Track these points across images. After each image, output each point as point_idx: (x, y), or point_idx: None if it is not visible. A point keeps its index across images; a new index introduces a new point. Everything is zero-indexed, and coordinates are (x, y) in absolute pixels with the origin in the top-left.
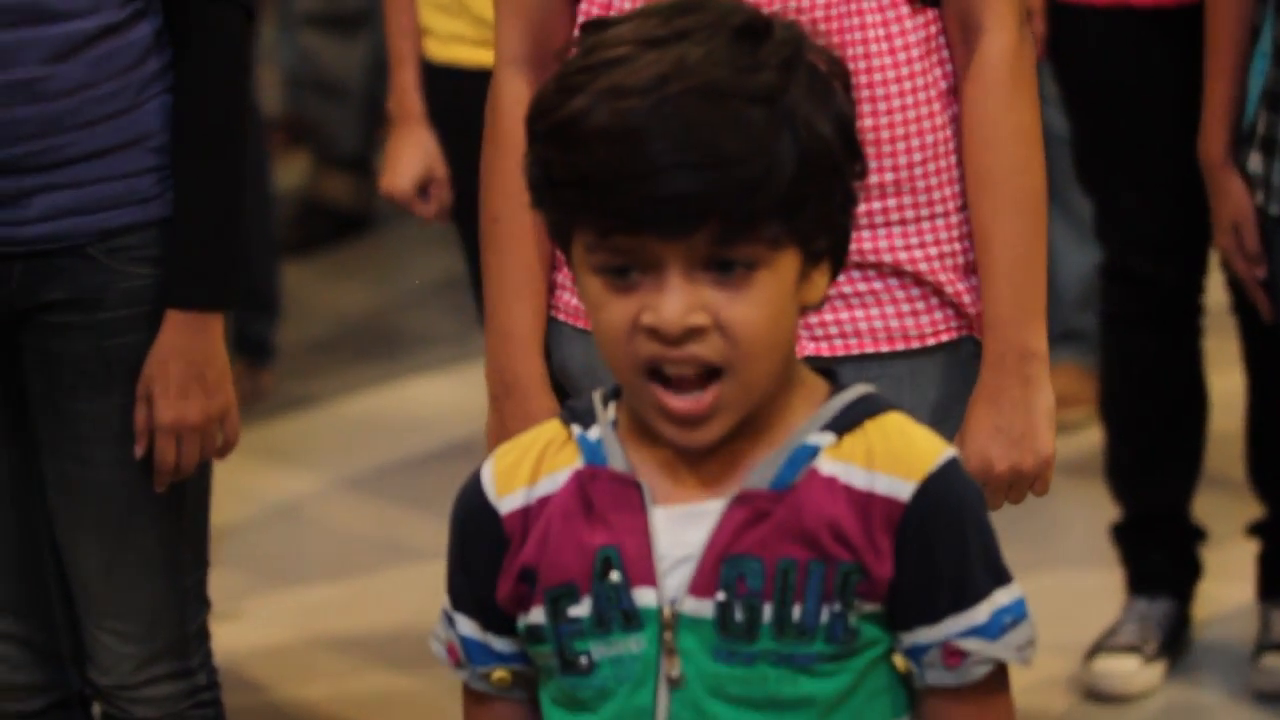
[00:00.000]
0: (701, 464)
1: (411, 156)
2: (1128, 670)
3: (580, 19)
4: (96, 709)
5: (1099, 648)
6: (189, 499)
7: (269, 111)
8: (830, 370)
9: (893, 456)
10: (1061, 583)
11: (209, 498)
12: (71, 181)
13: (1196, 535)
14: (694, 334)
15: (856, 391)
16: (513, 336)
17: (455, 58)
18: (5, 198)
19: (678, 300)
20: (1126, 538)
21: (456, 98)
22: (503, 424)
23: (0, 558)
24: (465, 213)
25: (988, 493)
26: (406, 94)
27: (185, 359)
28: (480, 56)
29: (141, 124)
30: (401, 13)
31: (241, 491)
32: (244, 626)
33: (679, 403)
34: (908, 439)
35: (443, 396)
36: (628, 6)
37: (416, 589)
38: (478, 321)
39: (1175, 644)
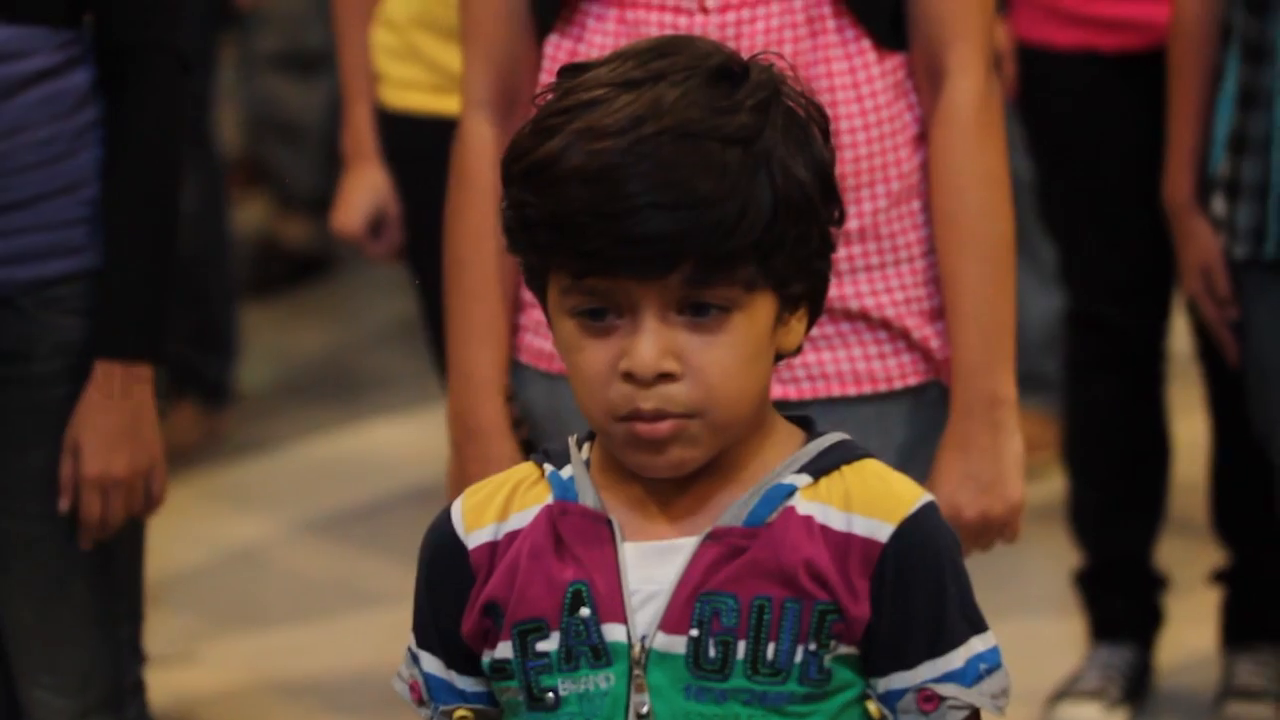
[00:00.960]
0: (673, 503)
1: (363, 195)
2: (1090, 717)
3: (546, 63)
4: None
5: (1061, 694)
6: (121, 551)
7: (228, 153)
8: (807, 419)
9: (870, 500)
10: (1023, 629)
11: (143, 549)
12: (1, 230)
13: (1158, 582)
14: (664, 379)
15: (833, 438)
16: (474, 380)
17: (409, 104)
18: None
19: (651, 345)
20: (1088, 584)
21: (410, 142)
22: (463, 468)
23: None
24: (418, 255)
25: None
26: (359, 133)
27: (114, 411)
28: (434, 103)
29: (74, 172)
30: (354, 52)
31: (198, 535)
32: (200, 671)
33: (646, 427)
34: (885, 483)
35: (401, 439)
36: (594, 54)
37: (374, 634)
38: (432, 365)
39: (1137, 691)
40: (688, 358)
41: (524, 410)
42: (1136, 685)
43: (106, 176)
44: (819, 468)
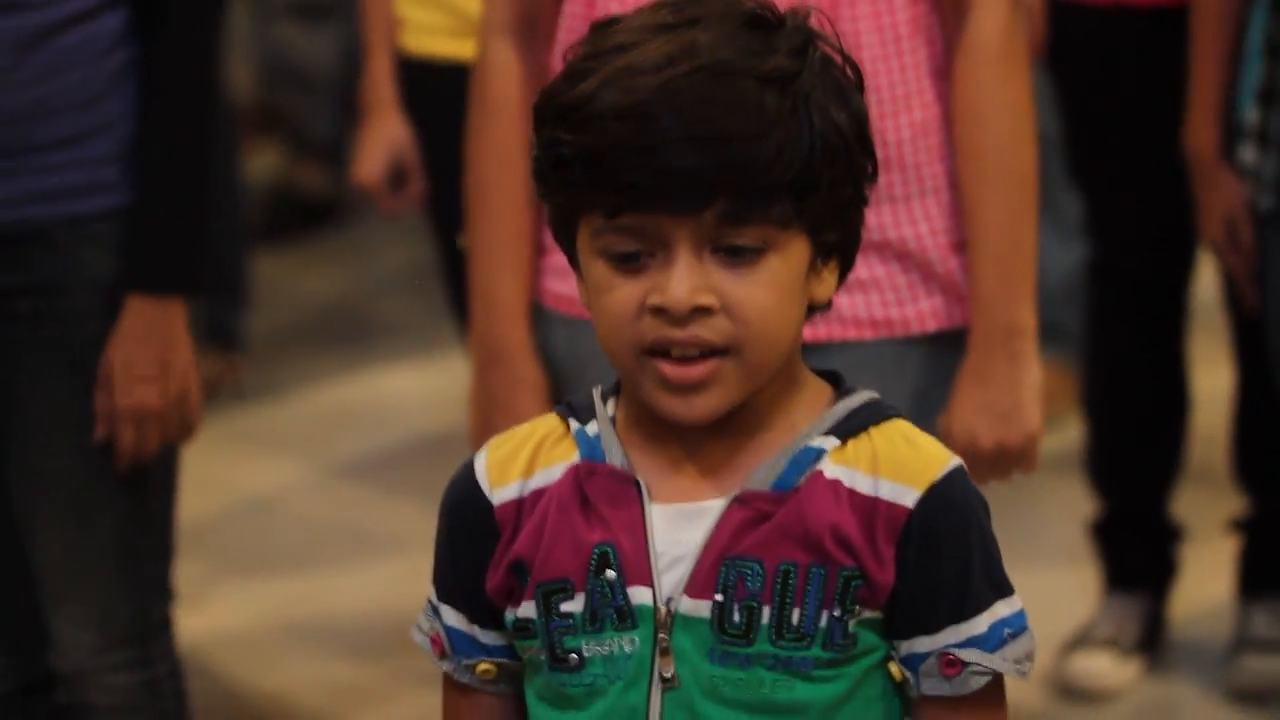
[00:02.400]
0: (701, 462)
1: (383, 146)
2: (1103, 667)
3: None
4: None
5: (1075, 643)
6: (152, 488)
7: (241, 100)
8: (835, 374)
9: (897, 463)
10: (1037, 578)
11: (174, 488)
12: (39, 168)
13: (1174, 533)
14: (700, 314)
15: (862, 397)
16: (499, 304)
17: (430, 49)
18: None
19: (685, 280)
20: (1104, 534)
21: (430, 89)
22: (489, 391)
23: None
24: (438, 204)
25: (973, 469)
26: (379, 84)
27: (147, 344)
28: (455, 48)
29: (111, 112)
30: (377, 2)
31: (209, 481)
32: (209, 616)
33: (677, 370)
34: (913, 446)
35: (413, 387)
36: None
37: (383, 579)
38: (448, 312)
39: (1151, 641)
40: (724, 293)
41: (544, 355)
42: (1150, 635)
43: (142, 115)
44: (847, 429)
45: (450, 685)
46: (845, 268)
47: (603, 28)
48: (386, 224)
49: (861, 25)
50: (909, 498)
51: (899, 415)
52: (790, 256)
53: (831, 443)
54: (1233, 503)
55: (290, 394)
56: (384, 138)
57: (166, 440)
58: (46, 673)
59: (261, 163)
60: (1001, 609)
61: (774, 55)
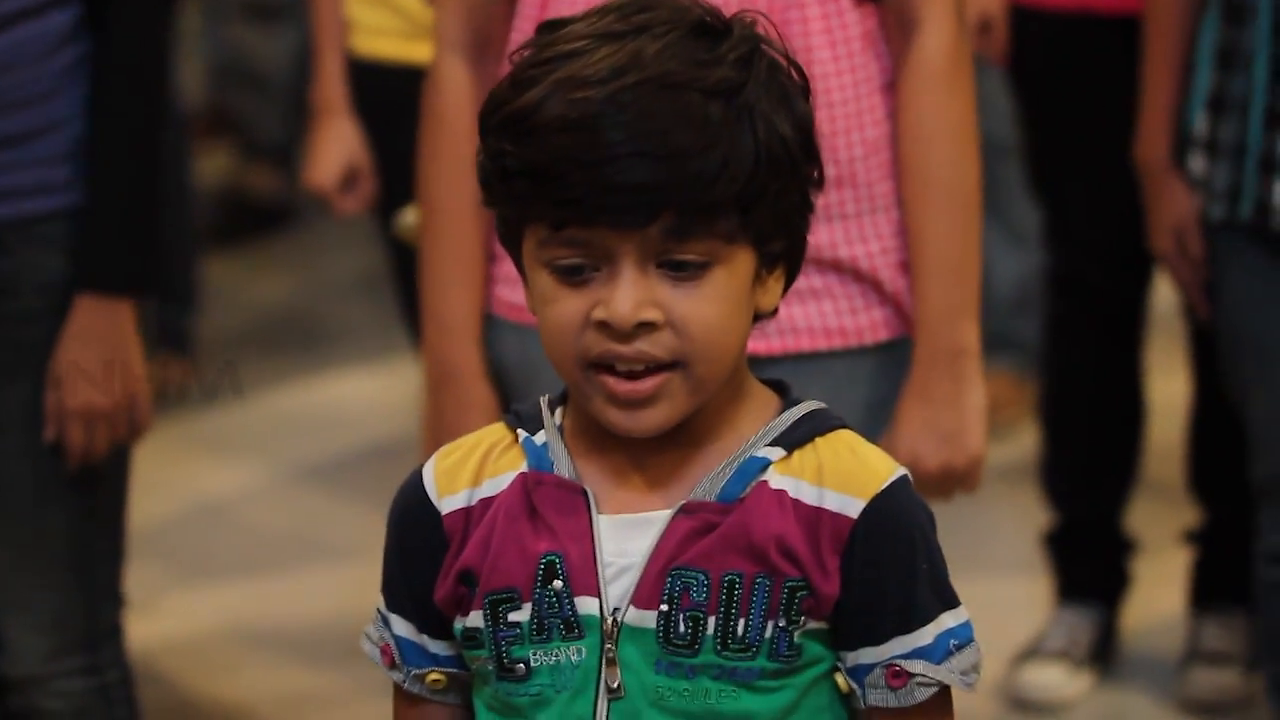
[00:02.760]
0: (648, 472)
1: (335, 149)
2: (1055, 679)
3: (520, 8)
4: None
5: (1026, 655)
6: (103, 492)
7: (192, 102)
8: (781, 383)
9: (843, 474)
10: (988, 589)
11: (125, 492)
12: None
13: (1127, 545)
14: (645, 329)
15: (807, 407)
16: (450, 325)
17: (380, 51)
18: None
19: (630, 295)
20: (1057, 545)
21: (381, 92)
22: (440, 412)
23: None
24: (389, 207)
25: (917, 489)
26: (330, 85)
27: (96, 344)
28: (405, 50)
29: (59, 111)
30: (326, 4)
31: (159, 485)
32: (160, 621)
33: (623, 385)
34: (858, 457)
35: (364, 392)
36: (567, 1)
37: (336, 586)
38: (400, 317)
39: (1103, 653)
40: (669, 308)
41: (496, 363)
42: (1102, 647)
43: (91, 114)
44: (792, 440)
45: (400, 695)
46: (791, 275)
47: (550, 30)
48: (338, 228)
49: (814, 40)
50: (853, 508)
51: (844, 426)
52: (736, 269)
53: (777, 453)
54: (1186, 514)
55: (241, 398)
56: (335, 140)
57: (116, 441)
58: None
59: (212, 165)
60: (948, 620)
61: (720, 66)
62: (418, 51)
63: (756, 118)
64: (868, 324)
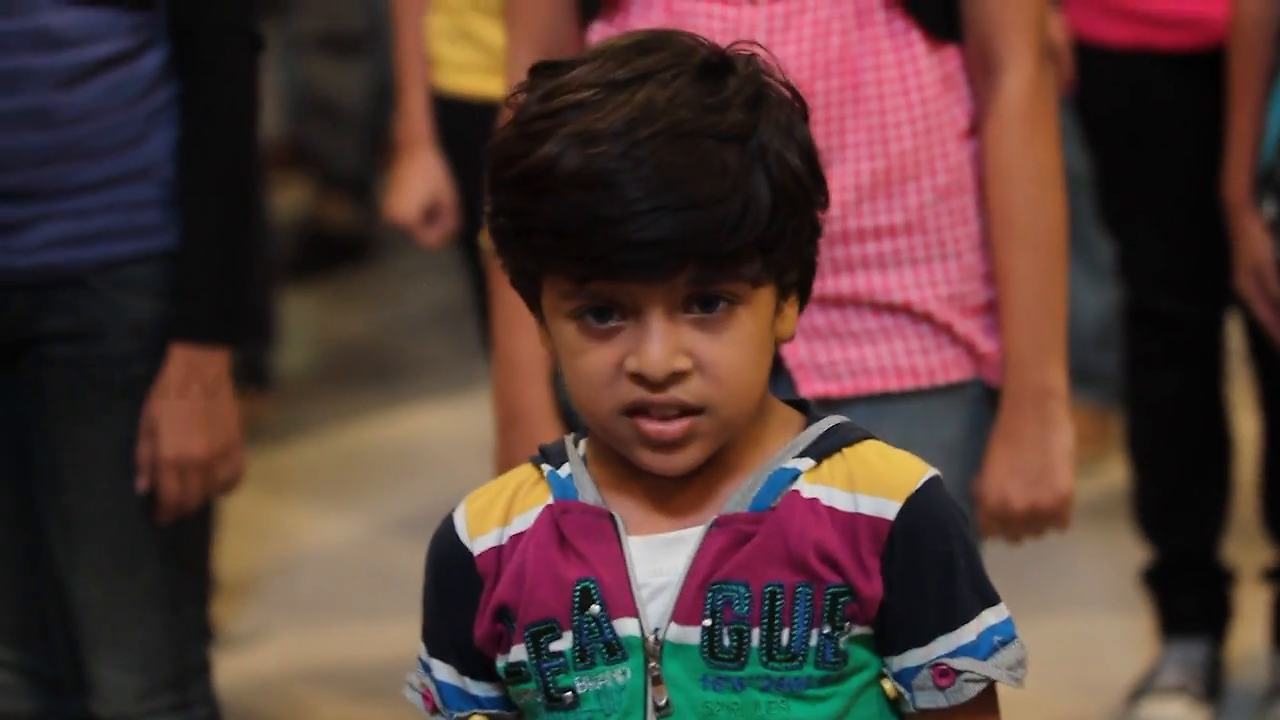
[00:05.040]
0: (675, 496)
1: (418, 183)
2: (1180, 713)
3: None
4: None
5: (1142, 691)
6: (190, 531)
7: (269, 134)
8: (803, 402)
9: (874, 478)
10: (1080, 625)
11: (212, 530)
12: (74, 211)
13: (1227, 576)
14: (677, 377)
15: (831, 421)
16: (518, 366)
17: (462, 86)
18: (7, 225)
19: (661, 345)
20: (1157, 581)
21: (463, 126)
22: (509, 452)
23: (4, 587)
24: (471, 240)
25: (1007, 530)
26: (413, 119)
27: (190, 394)
28: (487, 85)
29: (147, 155)
30: (409, 37)
31: (234, 520)
32: (239, 657)
33: (656, 427)
34: (888, 461)
35: (442, 426)
36: None
37: (410, 622)
38: (479, 349)
39: (1215, 686)
40: (698, 353)
41: (566, 403)
42: (1213, 681)
43: (181, 159)
44: (820, 451)
45: None
46: (804, 298)
47: (547, 75)
48: (416, 260)
49: (886, 87)
50: (889, 510)
51: (871, 437)
52: (758, 307)
53: (806, 464)
54: (1265, 551)
55: (318, 432)
56: (419, 173)
57: (209, 491)
58: (84, 716)
59: (289, 197)
60: (989, 617)
61: (730, 109)
62: (500, 86)
63: (770, 158)
64: (939, 364)
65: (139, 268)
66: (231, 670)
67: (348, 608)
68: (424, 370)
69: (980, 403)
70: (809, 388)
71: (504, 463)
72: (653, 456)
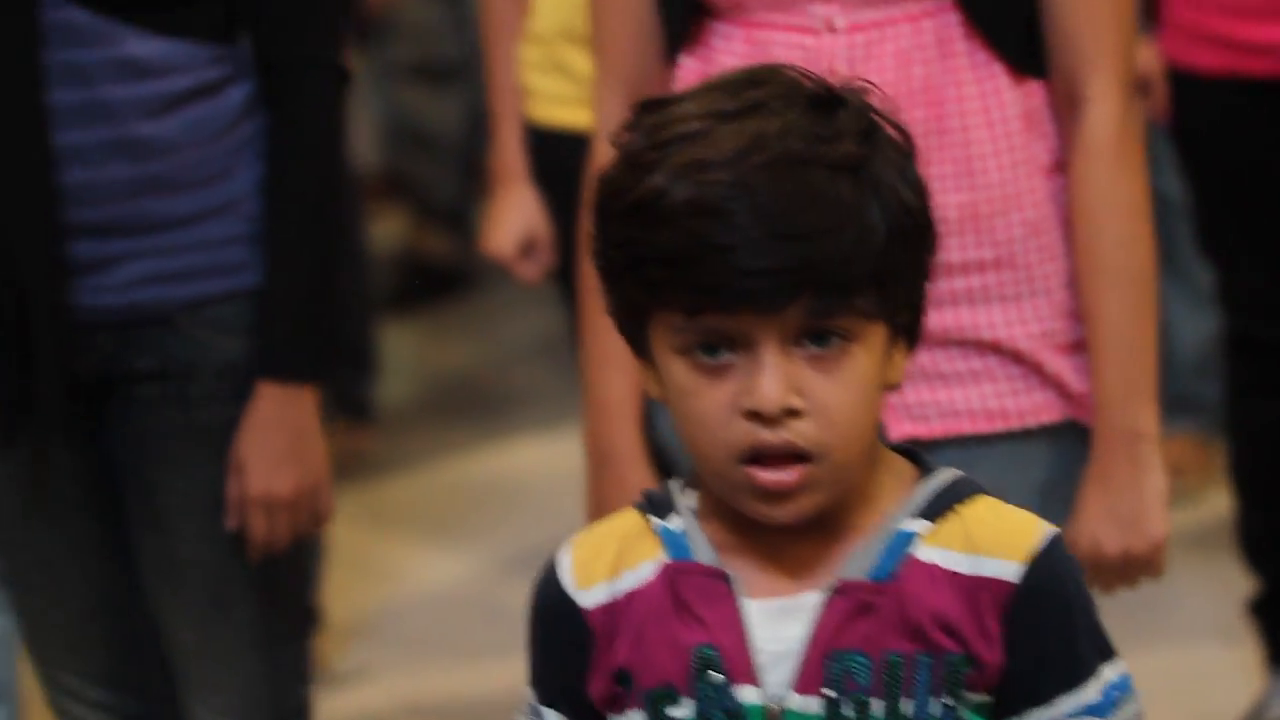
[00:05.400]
0: (791, 553)
1: (514, 217)
2: None
3: (676, 85)
4: None
5: None
6: (284, 570)
7: (364, 165)
8: (913, 452)
9: (993, 539)
10: (1182, 656)
11: (309, 568)
12: (160, 248)
13: None
14: (791, 415)
15: (946, 476)
16: (608, 406)
17: (555, 118)
18: (93, 263)
19: (776, 380)
20: (1263, 610)
21: (557, 158)
22: (600, 494)
23: (97, 630)
24: (568, 273)
25: (1099, 576)
26: (508, 153)
27: (278, 431)
28: (580, 116)
29: (232, 191)
30: (502, 70)
31: (336, 553)
32: (345, 695)
33: (769, 476)
34: (1004, 520)
35: (543, 459)
36: None
37: (519, 660)
38: (578, 382)
39: None
40: (810, 394)
41: (657, 444)
42: None
43: (267, 195)
44: (935, 510)
45: None
46: (913, 344)
47: (654, 110)
48: (514, 291)
49: (970, 120)
50: (1011, 571)
51: (983, 491)
52: (871, 345)
53: (922, 525)
54: None
55: (420, 465)
56: (515, 208)
57: (297, 530)
58: None
59: (386, 228)
60: (1108, 673)
61: (841, 141)
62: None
63: (883, 190)
64: (1029, 406)
65: (225, 306)
66: (338, 708)
67: (454, 644)
68: (525, 402)
69: (1072, 445)
70: (898, 428)
71: (595, 504)
72: (764, 505)
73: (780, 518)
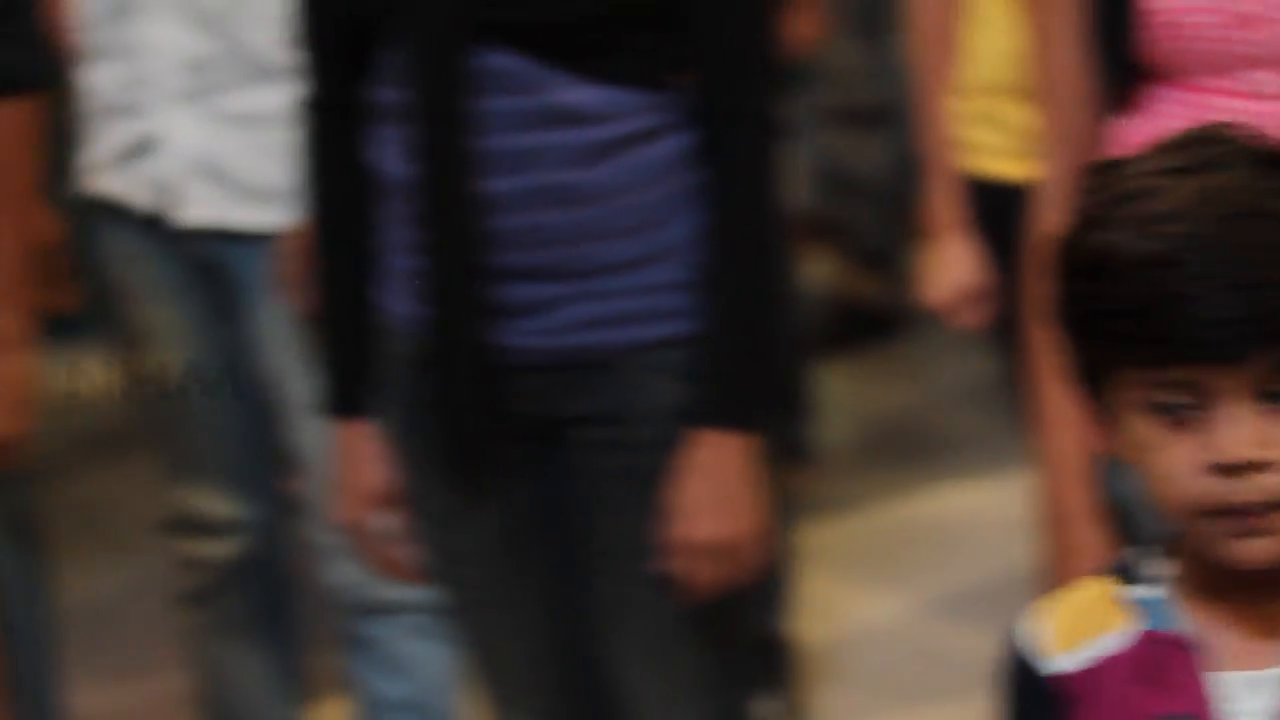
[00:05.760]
0: (1256, 622)
1: (953, 266)
2: None
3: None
4: None
5: None
6: (726, 615)
7: (793, 207)
8: None
9: None
10: None
11: (753, 614)
12: (598, 293)
13: None
14: (1256, 469)
15: None
16: (1062, 465)
17: (990, 170)
18: (535, 305)
19: (1239, 433)
20: None
21: (993, 208)
22: (1056, 553)
23: (554, 672)
24: (1005, 318)
25: None
26: (943, 205)
27: (714, 477)
28: (1015, 168)
29: (669, 239)
30: (937, 123)
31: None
32: None
33: (1239, 525)
34: None
35: (978, 503)
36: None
37: (961, 704)
38: (1012, 426)
39: None
40: (1278, 447)
41: (1116, 502)
42: None
43: (708, 244)
44: None
45: None
46: None
47: (1108, 170)
48: (945, 335)
49: None
50: None
51: None
52: None
53: None
54: None
55: (858, 507)
56: (952, 259)
57: (735, 576)
58: None
59: (818, 270)
60: None
61: None
62: (1026, 169)
63: None
64: None
65: (663, 352)
66: None
67: (898, 688)
68: (958, 447)
69: None
70: None
71: (1050, 563)
72: (1235, 545)
73: (1247, 557)
